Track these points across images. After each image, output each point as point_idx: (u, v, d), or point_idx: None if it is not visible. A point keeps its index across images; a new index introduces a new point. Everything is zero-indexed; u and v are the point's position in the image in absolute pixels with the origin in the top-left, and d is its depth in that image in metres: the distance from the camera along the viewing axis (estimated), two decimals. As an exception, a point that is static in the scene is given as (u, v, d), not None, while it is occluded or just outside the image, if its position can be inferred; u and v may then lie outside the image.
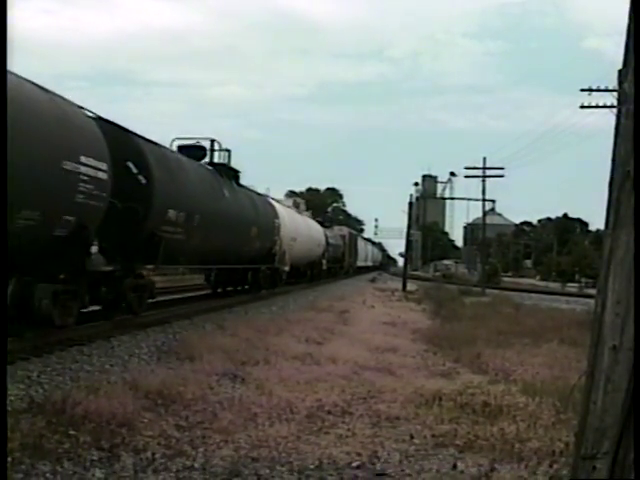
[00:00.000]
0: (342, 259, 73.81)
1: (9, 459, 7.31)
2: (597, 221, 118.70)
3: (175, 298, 29.64)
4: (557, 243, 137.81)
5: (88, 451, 7.89)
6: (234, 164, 30.14)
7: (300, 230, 44.44)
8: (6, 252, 7.15)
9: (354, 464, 7.96)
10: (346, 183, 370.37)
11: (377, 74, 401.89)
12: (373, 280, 79.84)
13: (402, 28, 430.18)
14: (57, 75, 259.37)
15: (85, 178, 15.00)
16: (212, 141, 28.97)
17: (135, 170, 18.56)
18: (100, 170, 15.66)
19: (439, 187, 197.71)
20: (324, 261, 58.89)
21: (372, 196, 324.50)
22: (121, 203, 17.41)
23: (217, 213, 24.76)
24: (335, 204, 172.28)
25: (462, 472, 7.87)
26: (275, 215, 36.45)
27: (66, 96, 15.67)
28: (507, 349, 17.48)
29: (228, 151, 29.86)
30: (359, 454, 8.32)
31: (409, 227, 71.38)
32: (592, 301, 4.05)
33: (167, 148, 23.63)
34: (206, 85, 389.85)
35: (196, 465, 7.69)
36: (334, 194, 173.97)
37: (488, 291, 55.08)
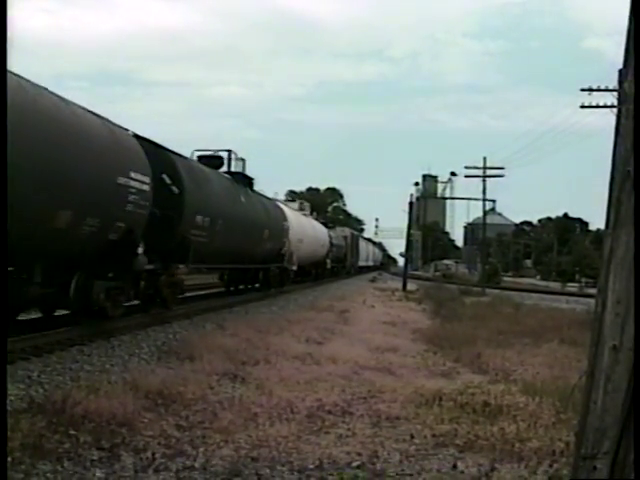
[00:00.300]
0: (345, 259, 76.95)
1: (9, 459, 7.31)
2: (597, 221, 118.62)
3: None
4: (557, 243, 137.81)
5: (88, 451, 7.90)
6: (249, 171, 33.27)
7: (306, 232, 47.08)
8: (6, 251, 7.23)
9: (354, 464, 7.96)
10: (346, 183, 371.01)
11: (377, 74, 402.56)
12: (373, 280, 79.82)
13: (402, 28, 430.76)
14: (57, 75, 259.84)
15: (133, 190, 17.56)
16: (229, 151, 32.14)
17: (169, 181, 21.06)
18: (144, 183, 18.26)
19: (439, 187, 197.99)
20: (328, 261, 61.60)
21: (372, 196, 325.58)
22: (158, 210, 19.71)
23: (235, 218, 27.28)
24: (335, 204, 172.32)
25: (462, 472, 7.87)
26: (284, 218, 39.13)
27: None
28: (507, 349, 17.48)
29: (243, 160, 32.96)
30: (359, 454, 8.31)
31: (409, 227, 71.37)
32: (592, 301, 4.05)
33: (194, 160, 26.66)
34: (206, 85, 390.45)
35: (196, 465, 7.68)
36: (334, 194, 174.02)
37: (488, 291, 55.07)
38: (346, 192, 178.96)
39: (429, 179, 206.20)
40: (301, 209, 56.74)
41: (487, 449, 8.63)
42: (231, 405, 10.44)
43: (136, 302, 20.67)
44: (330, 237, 61.94)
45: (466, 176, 64.53)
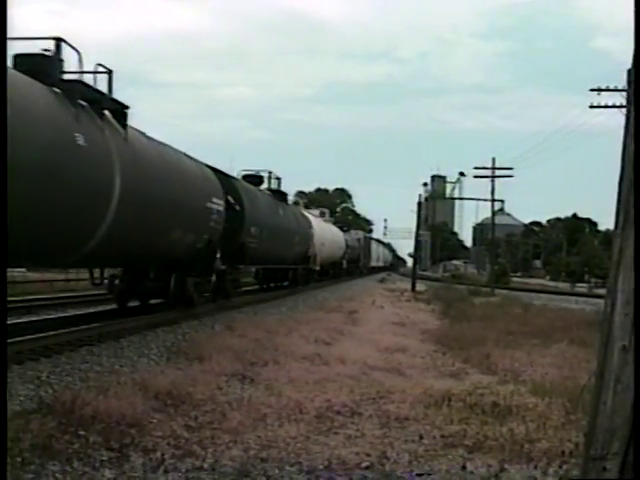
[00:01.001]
0: (358, 260, 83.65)
1: (19, 459, 7.34)
2: (607, 221, 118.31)
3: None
4: (566, 243, 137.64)
5: (98, 451, 7.91)
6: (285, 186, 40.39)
7: (326, 236, 54.16)
8: (6, 251, 7.31)
9: (363, 464, 7.95)
10: (355, 183, 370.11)
11: (385, 74, 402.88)
12: (382, 280, 79.86)
13: (410, 28, 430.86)
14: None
15: (214, 211, 24.16)
16: (270, 172, 39.27)
17: (233, 201, 27.14)
18: (220, 205, 24.86)
19: (448, 187, 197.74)
20: (344, 262, 69.19)
21: (381, 196, 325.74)
22: (227, 224, 25.80)
23: (275, 227, 34.12)
24: (344, 204, 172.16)
25: (471, 472, 7.86)
26: (310, 225, 46.62)
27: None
28: (516, 349, 17.46)
29: (279, 179, 39.99)
30: (368, 454, 8.31)
31: (418, 227, 71.37)
32: (601, 301, 4.04)
33: (248, 183, 33.33)
34: (214, 86, 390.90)
35: (205, 465, 7.69)
36: (343, 194, 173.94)
37: (497, 291, 55.04)
38: (355, 192, 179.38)
39: (438, 179, 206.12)
40: (322, 215, 63.61)
41: (496, 450, 8.61)
42: (240, 406, 10.44)
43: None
44: (346, 240, 68.39)
45: (475, 176, 64.35)
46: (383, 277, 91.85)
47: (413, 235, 73.69)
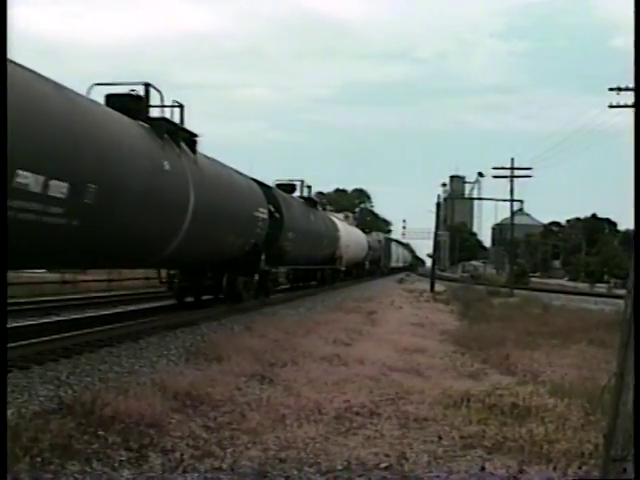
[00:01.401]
0: (379, 260, 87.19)
1: (39, 459, 7.37)
2: (626, 221, 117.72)
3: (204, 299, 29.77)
4: (586, 243, 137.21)
5: (117, 451, 7.93)
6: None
7: (351, 238, 57.30)
8: (6, 250, 7.47)
9: (382, 465, 7.95)
10: (373, 184, 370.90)
11: (403, 75, 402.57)
12: (401, 281, 79.92)
13: (428, 28, 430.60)
14: (85, 78, 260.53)
15: (259, 219, 27.70)
16: (302, 181, 43.13)
17: (273, 210, 30.46)
18: (264, 214, 28.36)
19: (467, 187, 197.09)
20: (367, 262, 72.83)
21: (399, 197, 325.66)
22: (269, 230, 29.02)
23: (307, 231, 37.65)
24: (363, 205, 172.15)
25: (491, 473, 7.85)
26: (336, 229, 49.74)
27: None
28: (535, 350, 17.42)
29: (309, 187, 44.58)
30: (387, 455, 8.30)
31: (437, 228, 71.36)
32: (621, 302, 4.03)
33: (284, 192, 36.48)
34: (232, 87, 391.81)
35: (224, 466, 7.70)
36: (362, 195, 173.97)
37: (516, 292, 54.91)
38: (373, 193, 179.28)
39: (456, 180, 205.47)
40: (346, 218, 66.11)
41: (515, 451, 8.59)
42: (259, 406, 10.45)
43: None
44: (368, 242, 71.91)
45: (494, 176, 64.17)
46: (402, 277, 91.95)
47: (432, 235, 73.98)
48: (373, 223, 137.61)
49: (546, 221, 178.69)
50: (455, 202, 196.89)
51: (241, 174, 27.83)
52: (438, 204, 70.19)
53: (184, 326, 20.14)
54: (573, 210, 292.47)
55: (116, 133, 16.25)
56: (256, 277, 29.06)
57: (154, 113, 19.66)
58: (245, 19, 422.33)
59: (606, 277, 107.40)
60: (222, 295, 27.04)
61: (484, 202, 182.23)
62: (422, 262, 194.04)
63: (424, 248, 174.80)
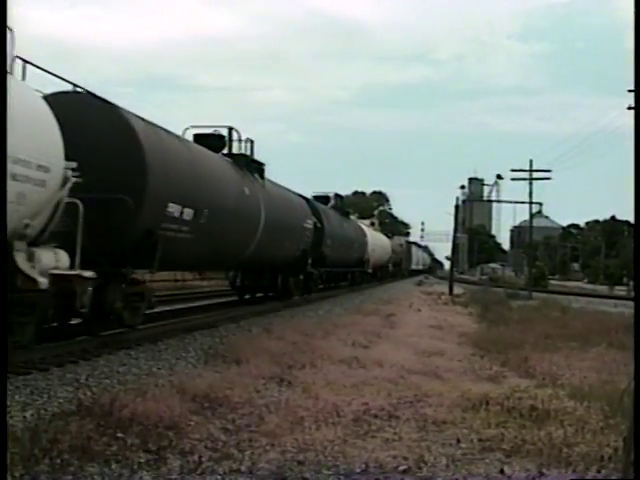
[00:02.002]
0: (401, 263, 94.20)
1: (58, 461, 7.39)
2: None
3: (222, 302, 29.90)
4: (605, 245, 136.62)
5: (135, 453, 7.94)
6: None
7: (376, 243, 63.96)
8: (6, 251, 7.60)
9: (401, 468, 7.94)
10: (392, 186, 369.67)
11: (422, 77, 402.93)
12: (419, 284, 79.88)
13: (447, 30, 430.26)
14: (104, 81, 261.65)
15: (307, 229, 34.00)
16: (335, 194, 49.72)
17: (316, 221, 36.39)
18: (310, 224, 34.67)
19: (485, 190, 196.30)
20: (390, 265, 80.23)
21: (418, 199, 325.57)
22: (313, 239, 35.28)
23: (342, 238, 44.62)
24: (381, 207, 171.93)
25: (510, 477, 7.83)
26: (364, 234, 57.13)
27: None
28: (554, 353, 17.37)
29: (342, 198, 51.90)
30: (405, 458, 8.29)
31: (455, 230, 71.13)
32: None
33: (325, 205, 44.29)
34: (251, 89, 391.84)
35: (242, 468, 7.70)
36: (380, 197, 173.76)
37: (535, 294, 54.66)
38: (392, 195, 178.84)
39: (475, 182, 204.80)
40: (372, 224, 74.63)
41: (534, 454, 8.56)
42: (277, 409, 10.45)
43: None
44: (391, 246, 79.42)
45: (512, 179, 63.88)
46: (420, 280, 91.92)
47: (450, 238, 73.77)
48: (392, 226, 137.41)
49: (565, 223, 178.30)
50: (474, 204, 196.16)
51: (291, 191, 34.29)
52: (457, 206, 69.98)
53: (203, 328, 20.18)
54: (592, 212, 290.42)
55: (215, 168, 22.70)
56: (301, 277, 35.52)
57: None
58: (264, 22, 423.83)
59: (625, 279, 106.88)
60: (275, 293, 33.07)
61: (503, 204, 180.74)
62: (440, 264, 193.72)
63: (442, 251, 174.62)
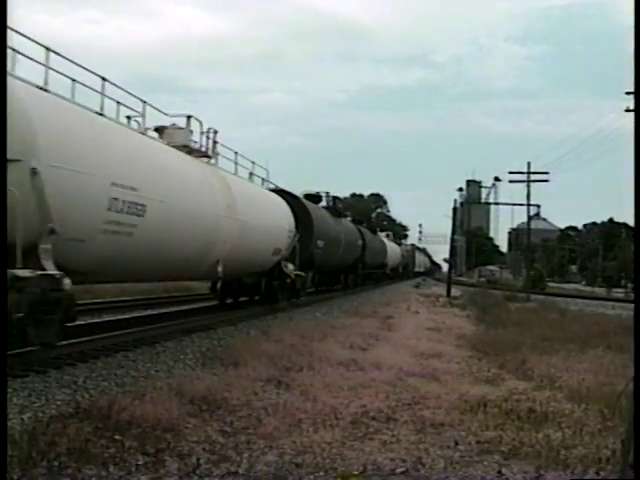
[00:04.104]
0: (407, 266, 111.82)
1: (56, 463, 7.39)
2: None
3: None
4: (603, 248, 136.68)
5: (133, 456, 7.94)
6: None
7: (392, 250, 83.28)
8: (5, 251, 7.57)
9: (399, 470, 7.94)
10: (390, 188, 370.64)
11: (420, 79, 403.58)
12: (417, 286, 79.89)
13: (445, 33, 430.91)
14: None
15: (358, 245, 52.91)
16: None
17: (361, 241, 53.57)
18: (359, 243, 53.27)
19: (483, 192, 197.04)
20: (400, 267, 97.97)
21: (416, 201, 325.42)
22: (358, 253, 52.79)
23: (372, 249, 60.51)
24: (379, 210, 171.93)
25: (508, 479, 7.83)
26: (384, 244, 74.57)
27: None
28: (552, 355, 17.38)
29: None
30: (404, 460, 8.29)
31: (453, 232, 71.29)
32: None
33: (364, 227, 63.14)
34: (250, 92, 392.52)
35: (240, 471, 7.70)
36: (378, 199, 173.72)
37: (533, 297, 54.74)
38: (389, 198, 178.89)
39: (473, 184, 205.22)
40: (387, 236, 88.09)
41: (532, 456, 8.57)
42: (275, 411, 10.45)
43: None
44: (401, 251, 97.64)
45: (510, 181, 63.85)
46: (418, 282, 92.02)
47: (448, 240, 74.18)
48: (389, 228, 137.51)
49: (563, 226, 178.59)
50: (472, 207, 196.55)
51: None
52: (454, 209, 70.24)
53: (200, 331, 20.17)
54: (590, 214, 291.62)
55: (327, 219, 41.43)
56: (353, 277, 55.46)
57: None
58: (262, 24, 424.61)
59: (623, 282, 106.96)
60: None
61: (501, 207, 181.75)
62: (438, 267, 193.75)
63: (440, 253, 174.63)
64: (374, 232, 70.11)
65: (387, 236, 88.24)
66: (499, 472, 8.00)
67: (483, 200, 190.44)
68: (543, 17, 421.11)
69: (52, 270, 12.90)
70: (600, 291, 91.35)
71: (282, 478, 7.53)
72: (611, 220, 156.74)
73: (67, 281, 13.23)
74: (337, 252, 43.19)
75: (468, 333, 23.77)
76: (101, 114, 16.28)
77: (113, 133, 16.30)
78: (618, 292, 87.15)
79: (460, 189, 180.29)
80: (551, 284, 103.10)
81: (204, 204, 20.37)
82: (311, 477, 7.60)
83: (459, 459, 8.49)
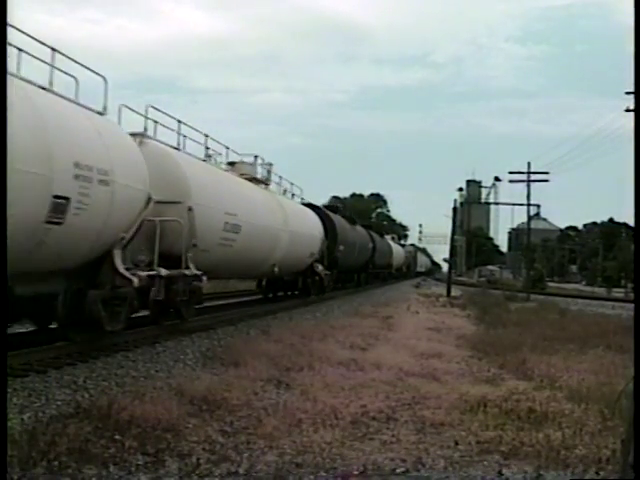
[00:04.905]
0: (409, 266, 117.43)
1: (56, 463, 7.39)
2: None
3: (220, 304, 29.84)
4: (603, 248, 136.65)
5: (133, 456, 7.94)
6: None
7: (397, 251, 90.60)
8: (5, 252, 7.64)
9: (399, 470, 7.94)
10: (390, 188, 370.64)
11: (421, 79, 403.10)
12: (417, 286, 79.88)
13: (445, 33, 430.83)
14: (102, 83, 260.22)
15: (368, 248, 57.96)
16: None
17: (371, 244, 59.64)
18: (369, 245, 58.45)
19: (483, 192, 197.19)
20: (404, 267, 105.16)
21: (416, 201, 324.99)
22: (369, 255, 58.50)
23: (381, 252, 67.41)
24: (379, 210, 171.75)
25: (508, 479, 7.83)
26: (390, 246, 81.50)
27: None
28: (552, 355, 17.37)
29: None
30: (404, 460, 8.29)
31: (453, 232, 71.20)
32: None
33: (378, 234, 72.62)
34: (250, 92, 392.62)
35: (240, 471, 7.70)
36: (378, 200, 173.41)
37: (533, 297, 54.71)
38: (390, 198, 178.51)
39: (473, 184, 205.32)
40: (392, 239, 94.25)
41: (532, 456, 8.57)
42: (275, 411, 10.45)
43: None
44: (404, 252, 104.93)
45: (510, 181, 63.78)
46: (418, 282, 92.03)
47: (448, 240, 74.25)
48: (389, 228, 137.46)
49: (563, 226, 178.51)
50: (472, 207, 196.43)
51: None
52: (454, 209, 70.10)
53: (200, 330, 20.16)
54: (590, 214, 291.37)
55: (346, 227, 47.09)
56: (363, 276, 60.75)
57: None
58: (262, 25, 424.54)
59: (623, 282, 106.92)
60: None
61: (501, 207, 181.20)
62: (438, 267, 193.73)
63: (440, 253, 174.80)
64: (381, 235, 77.77)
65: (392, 239, 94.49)
66: (499, 472, 8.00)
67: (483, 200, 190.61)
68: (543, 17, 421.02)
69: (195, 271, 19.27)
70: (600, 291, 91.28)
71: (282, 478, 7.53)
72: (611, 220, 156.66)
73: (205, 277, 19.98)
74: (353, 254, 49.09)
75: (468, 333, 23.75)
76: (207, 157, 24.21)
77: (221, 176, 24.11)
78: (618, 292, 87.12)
79: (460, 189, 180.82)
80: (551, 284, 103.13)
81: (269, 221, 27.41)
82: (311, 477, 7.60)
83: (459, 459, 8.49)
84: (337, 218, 44.64)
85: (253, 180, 28.26)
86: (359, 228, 57.87)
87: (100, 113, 15.71)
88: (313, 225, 36.87)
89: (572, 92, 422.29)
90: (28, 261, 12.62)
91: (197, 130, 22.13)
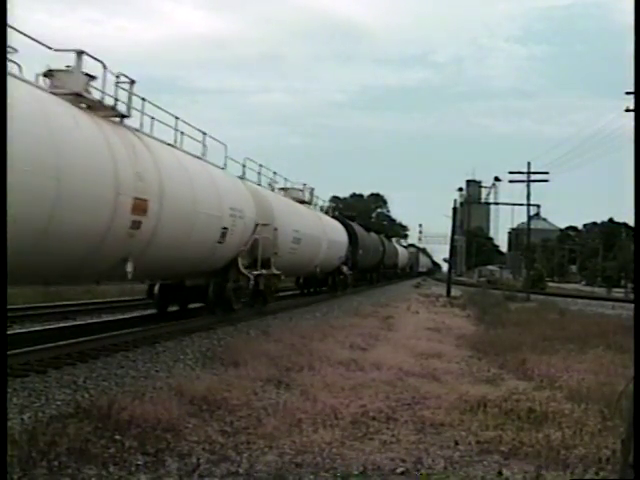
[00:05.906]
0: (412, 266, 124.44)
1: (56, 463, 7.39)
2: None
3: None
4: (603, 248, 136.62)
5: (133, 456, 7.94)
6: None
7: (402, 253, 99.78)
8: (5, 252, 7.68)
9: (398, 470, 7.93)
10: (390, 188, 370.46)
11: (421, 79, 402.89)
12: (417, 286, 79.91)
13: (445, 33, 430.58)
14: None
15: (379, 251, 66.87)
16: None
17: (382, 247, 69.02)
18: (380, 249, 67.24)
19: (483, 192, 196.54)
20: (407, 267, 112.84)
21: (416, 201, 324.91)
22: (379, 257, 67.29)
23: (389, 254, 76.98)
24: (379, 210, 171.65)
25: (507, 479, 7.83)
26: (396, 248, 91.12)
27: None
28: (552, 355, 17.37)
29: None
30: (403, 460, 8.29)
31: (453, 232, 71.14)
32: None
33: (386, 238, 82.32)
34: (250, 92, 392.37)
35: (240, 470, 7.70)
36: (378, 199, 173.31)
37: (533, 297, 54.69)
38: (389, 198, 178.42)
39: (473, 184, 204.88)
40: (398, 242, 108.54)
41: (532, 456, 8.57)
42: (275, 411, 10.44)
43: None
44: (408, 254, 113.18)
45: (510, 181, 63.76)
46: (418, 282, 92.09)
47: (448, 240, 74.22)
48: (389, 228, 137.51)
49: (563, 226, 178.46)
50: (471, 207, 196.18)
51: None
52: (454, 209, 70.06)
53: (200, 330, 20.15)
54: (590, 214, 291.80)
55: (364, 234, 57.95)
56: (374, 276, 68.53)
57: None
58: (262, 25, 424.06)
59: (623, 282, 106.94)
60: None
61: (501, 207, 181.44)
62: (438, 267, 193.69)
63: (440, 253, 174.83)
64: (389, 239, 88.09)
65: (398, 242, 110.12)
66: (499, 472, 8.00)
67: (483, 200, 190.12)
68: (543, 17, 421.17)
69: (275, 271, 27.44)
70: (600, 291, 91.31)
71: (282, 478, 7.53)
72: (611, 220, 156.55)
73: (283, 277, 29.27)
74: (368, 257, 57.64)
75: (468, 333, 23.75)
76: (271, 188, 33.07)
77: (289, 204, 33.11)
78: (618, 292, 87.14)
79: (460, 189, 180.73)
80: (551, 284, 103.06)
81: (315, 231, 36.04)
82: (311, 477, 7.60)
83: (459, 459, 8.50)
84: (357, 227, 54.60)
85: (302, 202, 37.35)
86: (373, 234, 67.14)
87: (222, 168, 24.33)
88: (340, 233, 45.53)
89: (572, 92, 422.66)
90: (205, 265, 21.79)
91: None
